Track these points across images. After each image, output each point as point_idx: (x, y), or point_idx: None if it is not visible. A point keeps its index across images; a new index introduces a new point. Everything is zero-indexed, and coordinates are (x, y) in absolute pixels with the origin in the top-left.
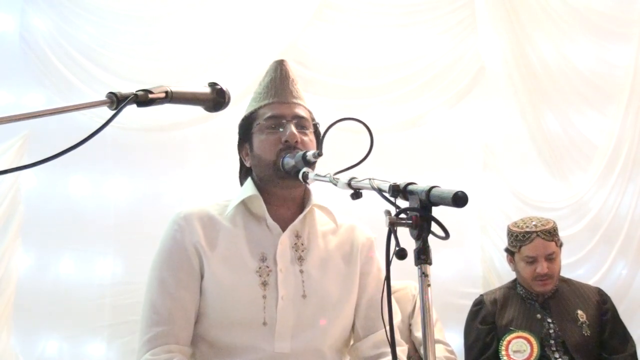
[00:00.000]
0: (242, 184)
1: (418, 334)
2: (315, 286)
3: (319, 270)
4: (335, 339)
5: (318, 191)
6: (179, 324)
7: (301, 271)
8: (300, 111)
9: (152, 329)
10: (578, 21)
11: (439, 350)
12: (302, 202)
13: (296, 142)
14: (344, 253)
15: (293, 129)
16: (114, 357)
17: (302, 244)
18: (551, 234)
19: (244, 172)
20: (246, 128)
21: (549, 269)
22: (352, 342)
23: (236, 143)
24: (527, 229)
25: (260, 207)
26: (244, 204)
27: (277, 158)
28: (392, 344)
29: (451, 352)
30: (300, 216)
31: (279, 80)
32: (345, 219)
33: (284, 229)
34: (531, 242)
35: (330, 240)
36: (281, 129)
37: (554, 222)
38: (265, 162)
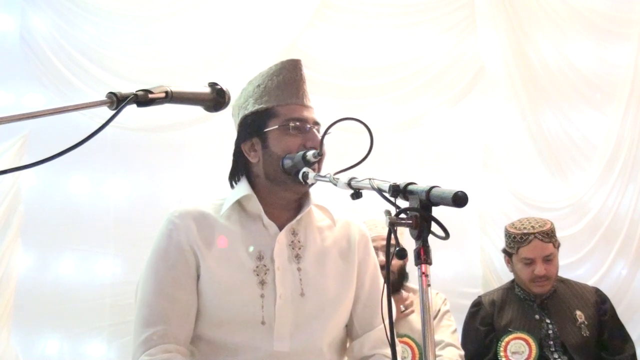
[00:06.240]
0: (232, 185)
1: (436, 337)
2: (313, 284)
3: (316, 268)
4: (333, 337)
5: (316, 189)
6: (176, 323)
7: (299, 269)
8: (317, 117)
9: (148, 329)
10: (578, 21)
11: (452, 352)
12: (299, 201)
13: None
14: (340, 249)
15: (319, 136)
16: (114, 357)
17: (299, 242)
18: (549, 235)
19: (241, 170)
20: (259, 122)
21: (546, 270)
22: (348, 342)
23: (236, 136)
24: (525, 231)
25: (256, 206)
26: (239, 203)
27: None
28: (392, 345)
29: (462, 357)
30: (298, 217)
31: (299, 81)
32: (340, 215)
33: (280, 227)
34: (529, 243)
35: (327, 236)
36: (304, 133)
37: (552, 223)
38: None
